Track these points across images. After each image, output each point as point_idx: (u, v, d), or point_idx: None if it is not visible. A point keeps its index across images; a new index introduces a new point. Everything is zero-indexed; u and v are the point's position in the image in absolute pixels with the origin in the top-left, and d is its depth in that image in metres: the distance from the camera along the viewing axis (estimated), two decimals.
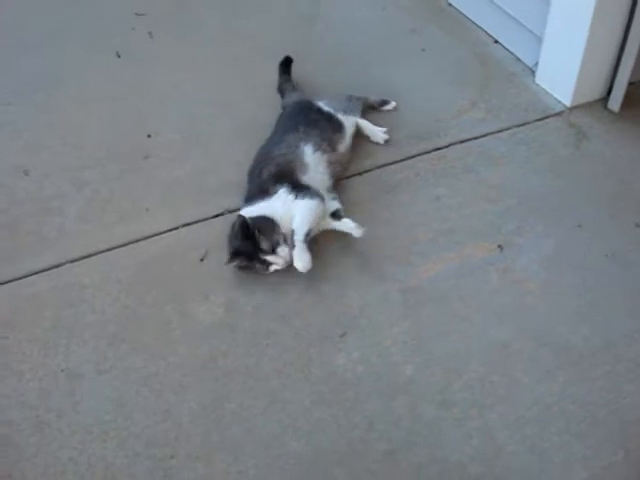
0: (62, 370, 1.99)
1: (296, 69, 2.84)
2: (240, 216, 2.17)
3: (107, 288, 2.18)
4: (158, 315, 2.11)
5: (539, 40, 2.82)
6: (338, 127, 2.48)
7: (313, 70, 2.85)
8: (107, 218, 2.39)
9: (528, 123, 2.71)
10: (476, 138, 2.65)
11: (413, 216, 2.36)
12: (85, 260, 2.26)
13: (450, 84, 2.89)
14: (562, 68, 2.75)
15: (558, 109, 2.77)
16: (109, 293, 2.17)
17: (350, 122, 2.54)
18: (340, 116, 2.51)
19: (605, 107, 2.75)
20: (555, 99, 2.80)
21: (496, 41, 3.10)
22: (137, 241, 2.30)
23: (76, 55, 3.08)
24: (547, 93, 2.82)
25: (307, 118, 2.47)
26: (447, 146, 2.60)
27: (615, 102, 2.71)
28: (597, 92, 2.79)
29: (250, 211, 2.21)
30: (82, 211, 2.41)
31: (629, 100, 2.70)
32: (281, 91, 2.77)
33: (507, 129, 2.69)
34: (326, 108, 2.52)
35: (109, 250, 2.28)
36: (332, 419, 1.88)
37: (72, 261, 2.26)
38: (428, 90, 2.84)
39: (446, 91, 2.86)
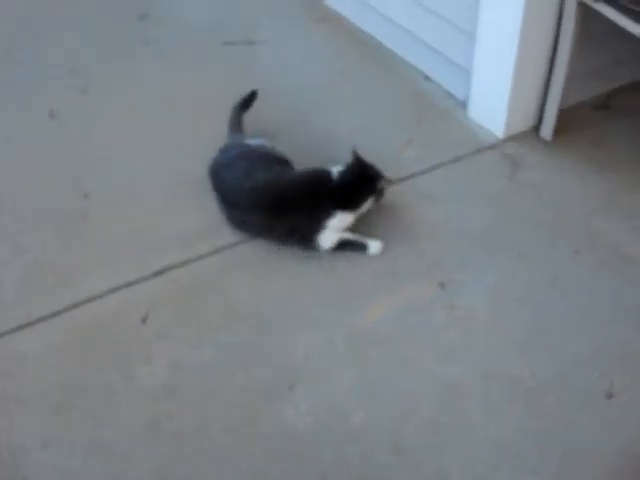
0: (5, 446, 1.93)
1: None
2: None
3: (49, 355, 2.14)
4: (102, 380, 2.07)
5: (468, 74, 2.86)
6: None
7: (251, 118, 2.85)
8: (47, 283, 2.34)
9: (463, 158, 2.74)
10: (413, 177, 2.67)
11: (354, 258, 2.35)
12: (25, 328, 2.21)
13: (387, 124, 2.92)
14: (492, 100, 2.79)
15: (491, 141, 2.80)
16: (51, 361, 2.12)
17: None
18: None
19: (537, 136, 2.79)
20: (488, 131, 2.84)
21: (427, 77, 3.13)
22: (78, 305, 2.26)
23: (7, 115, 3.03)
24: (480, 126, 2.86)
25: None
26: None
27: (547, 131, 2.76)
28: (529, 122, 2.84)
29: None
30: (21, 278, 2.36)
31: (561, 127, 2.75)
32: (231, 125, 2.71)
33: (443, 165, 2.72)
34: None
35: (50, 316, 2.23)
36: (285, 474, 1.85)
37: (12, 331, 2.20)
38: (366, 132, 2.86)
39: (384, 131, 2.88)
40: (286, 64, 3.29)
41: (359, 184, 2.38)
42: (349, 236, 2.39)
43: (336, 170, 2.40)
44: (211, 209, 2.51)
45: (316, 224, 2.34)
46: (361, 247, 2.39)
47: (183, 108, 3.02)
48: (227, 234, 2.46)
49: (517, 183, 2.63)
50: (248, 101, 2.79)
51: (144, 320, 2.23)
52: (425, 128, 2.89)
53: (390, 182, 2.42)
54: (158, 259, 2.39)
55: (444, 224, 2.48)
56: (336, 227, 2.35)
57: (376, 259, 2.36)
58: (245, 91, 2.81)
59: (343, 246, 2.38)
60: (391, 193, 2.54)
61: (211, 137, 2.69)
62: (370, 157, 2.47)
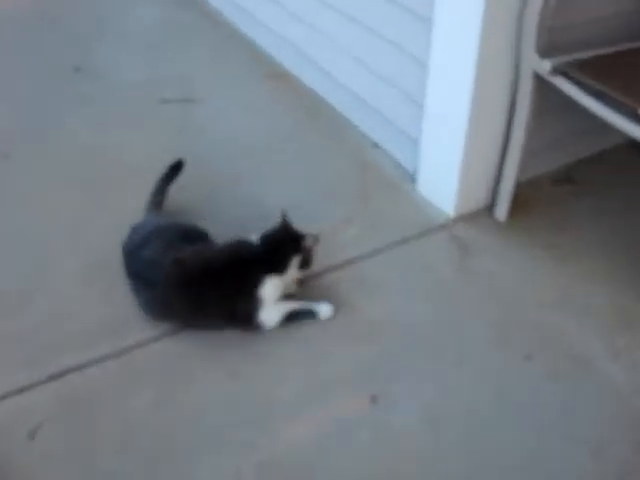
0: None
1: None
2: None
3: None
4: None
5: (416, 144, 2.61)
6: None
7: (175, 186, 2.57)
8: None
9: (408, 240, 2.48)
10: (350, 262, 2.39)
11: (275, 368, 2.06)
12: None
13: (326, 198, 2.65)
14: (441, 175, 2.53)
15: (441, 221, 2.54)
16: None
17: None
18: None
19: (491, 216, 2.53)
20: (437, 209, 2.57)
21: (375, 144, 2.87)
22: None
23: None
24: (429, 203, 2.60)
25: None
26: (319, 274, 2.33)
27: (501, 211, 2.50)
28: (481, 200, 2.58)
29: None
30: None
31: (518, 205, 2.51)
32: (151, 201, 2.44)
33: (385, 249, 2.45)
34: None
35: None
36: None
37: None
38: (302, 207, 2.58)
39: (322, 207, 2.62)
40: (225, 125, 3.03)
41: (281, 244, 2.16)
42: (294, 305, 2.17)
43: (255, 237, 2.18)
44: (120, 300, 2.23)
45: (250, 298, 2.11)
46: (310, 315, 2.18)
47: (107, 175, 2.76)
48: (135, 331, 2.17)
49: (466, 271, 2.36)
50: (173, 173, 2.53)
51: (32, 435, 1.93)
52: (369, 203, 2.63)
53: (316, 239, 2.18)
54: (55, 360, 2.11)
55: (382, 321, 2.21)
56: (272, 297, 2.12)
57: (303, 362, 2.08)
58: (178, 154, 2.53)
59: (290, 318, 2.15)
60: (323, 281, 2.28)
61: (133, 211, 2.42)
62: None
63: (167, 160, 2.55)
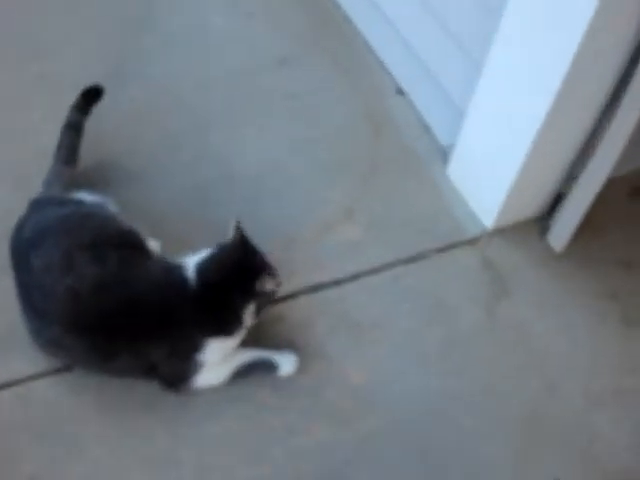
0: None
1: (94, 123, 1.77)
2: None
3: None
4: None
5: (461, 115, 1.82)
6: None
7: (115, 125, 1.82)
8: None
9: (424, 257, 1.77)
10: (337, 284, 1.68)
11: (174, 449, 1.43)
12: None
13: (321, 170, 1.92)
14: (488, 166, 1.78)
15: (472, 232, 1.82)
16: None
17: None
18: None
19: (542, 239, 1.79)
20: (470, 212, 1.85)
21: (400, 91, 2.06)
22: None
23: None
24: (460, 199, 1.88)
25: None
26: (289, 296, 1.64)
27: (558, 237, 1.76)
28: (534, 214, 1.84)
29: None
30: None
31: (580, 226, 1.75)
32: (58, 154, 1.71)
33: (389, 267, 1.74)
34: None
35: None
36: None
37: None
38: (281, 182, 1.85)
39: (311, 184, 1.86)
40: (201, 31, 2.18)
41: (228, 289, 1.44)
42: (245, 357, 1.53)
43: (193, 263, 1.46)
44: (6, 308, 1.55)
45: (184, 361, 1.46)
46: (268, 368, 1.54)
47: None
48: (22, 357, 1.50)
49: (495, 319, 1.68)
50: (87, 104, 1.75)
51: None
52: (377, 186, 1.91)
53: (278, 283, 1.48)
54: None
55: (366, 396, 1.55)
56: (216, 360, 1.47)
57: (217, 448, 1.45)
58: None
59: (243, 373, 1.52)
60: (292, 310, 1.63)
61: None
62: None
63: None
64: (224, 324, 1.44)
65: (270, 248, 1.65)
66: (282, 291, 1.62)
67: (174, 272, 1.45)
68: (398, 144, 1.98)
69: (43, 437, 1.47)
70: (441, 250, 1.79)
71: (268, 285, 1.43)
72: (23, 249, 1.49)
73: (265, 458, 1.47)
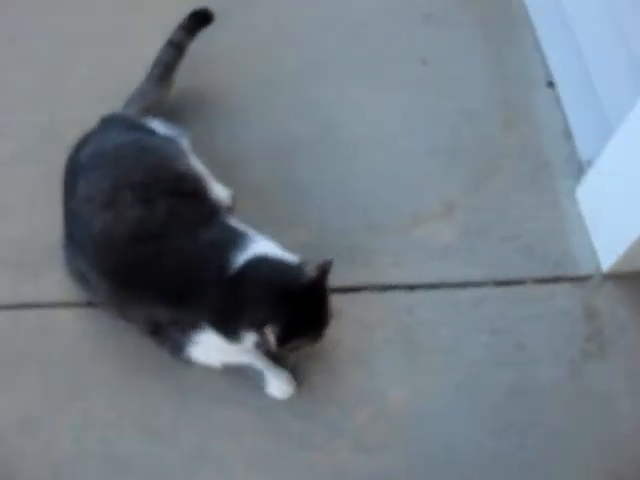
0: None
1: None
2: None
3: None
4: None
5: (609, 129, 1.52)
6: None
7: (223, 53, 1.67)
8: None
9: (517, 284, 1.50)
10: (412, 289, 1.47)
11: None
12: None
13: (431, 153, 1.68)
14: (627, 193, 1.48)
15: (583, 270, 1.55)
16: None
17: None
18: None
19: None
20: (589, 244, 1.56)
21: (551, 84, 1.76)
22: None
23: None
24: (581, 225, 1.59)
25: None
26: (353, 289, 1.45)
27: None
28: None
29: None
30: None
31: None
32: (155, 77, 1.55)
33: (474, 286, 1.50)
34: None
35: None
36: None
37: None
38: (385, 157, 1.66)
39: (416, 167, 1.64)
40: None
41: (244, 302, 1.25)
42: (244, 359, 1.37)
43: (257, 248, 1.29)
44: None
45: (180, 335, 1.32)
46: (259, 377, 1.37)
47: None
48: (53, 282, 1.42)
49: (580, 384, 1.42)
50: (196, 24, 1.61)
51: None
52: (491, 188, 1.66)
53: (271, 341, 1.23)
54: None
55: (399, 425, 1.35)
56: (209, 347, 1.32)
57: None
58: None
59: (237, 370, 1.38)
60: (351, 309, 1.44)
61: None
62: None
63: None
64: (224, 326, 1.27)
65: (350, 230, 1.50)
66: (347, 281, 1.43)
67: (223, 247, 1.27)
68: (530, 144, 1.71)
69: (49, 367, 1.40)
70: (541, 281, 1.53)
71: (269, 338, 1.22)
72: (75, 172, 1.38)
73: (268, 461, 1.31)
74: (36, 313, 1.44)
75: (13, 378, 1.38)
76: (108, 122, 1.45)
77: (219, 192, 1.49)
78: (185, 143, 1.46)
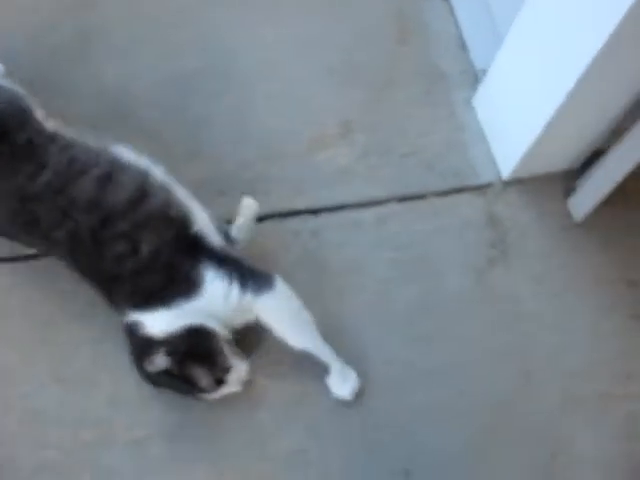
0: None
1: None
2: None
3: None
4: None
5: (501, 38, 1.52)
6: None
7: None
8: None
9: (419, 199, 1.51)
10: (315, 213, 1.47)
11: None
12: None
13: (325, 75, 1.65)
14: (521, 98, 1.48)
15: (484, 179, 1.56)
16: None
17: None
18: None
19: (563, 202, 1.52)
20: (488, 152, 1.57)
21: None
22: None
23: None
24: (480, 133, 1.59)
25: None
26: (260, 219, 1.43)
27: (582, 203, 1.49)
28: (564, 162, 1.55)
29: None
30: None
31: (613, 201, 1.47)
32: None
33: (377, 204, 1.50)
34: None
35: None
36: None
37: None
38: (281, 84, 1.62)
39: (312, 89, 1.62)
40: None
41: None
42: None
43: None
44: None
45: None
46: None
47: None
48: None
49: (485, 292, 1.45)
50: None
51: None
52: (387, 102, 1.63)
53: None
54: None
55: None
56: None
57: None
58: None
59: None
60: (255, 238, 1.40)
61: None
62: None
63: None
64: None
65: (249, 160, 1.48)
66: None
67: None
68: (425, 57, 1.69)
69: None
70: (442, 194, 1.54)
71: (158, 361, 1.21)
72: None
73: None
74: None
75: None
76: None
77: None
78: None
